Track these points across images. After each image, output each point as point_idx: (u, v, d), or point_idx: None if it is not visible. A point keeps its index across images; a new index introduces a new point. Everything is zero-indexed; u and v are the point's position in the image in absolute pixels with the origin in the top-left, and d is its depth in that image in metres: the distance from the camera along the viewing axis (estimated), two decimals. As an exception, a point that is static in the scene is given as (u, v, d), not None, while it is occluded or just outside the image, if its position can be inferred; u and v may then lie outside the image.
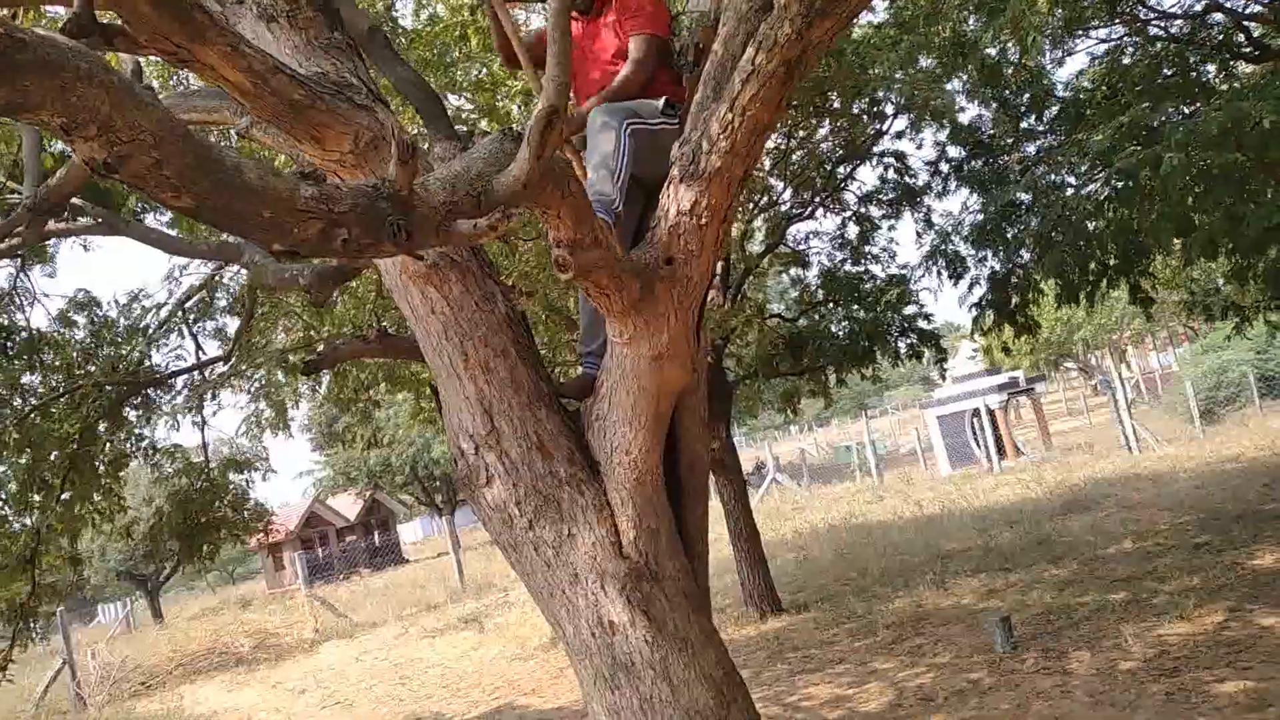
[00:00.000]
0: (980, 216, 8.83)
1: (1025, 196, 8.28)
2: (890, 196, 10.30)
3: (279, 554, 35.58)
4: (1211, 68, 8.68)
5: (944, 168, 9.88)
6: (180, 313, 8.54)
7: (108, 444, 7.95)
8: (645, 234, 2.72)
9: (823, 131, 9.81)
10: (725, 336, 9.85)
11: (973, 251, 9.27)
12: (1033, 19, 7.30)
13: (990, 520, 12.54)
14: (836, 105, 9.03)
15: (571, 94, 2.89)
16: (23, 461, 7.20)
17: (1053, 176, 8.11)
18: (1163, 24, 8.89)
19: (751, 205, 10.14)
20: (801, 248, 11.13)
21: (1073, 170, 7.95)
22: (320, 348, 7.83)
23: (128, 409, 8.10)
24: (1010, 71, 8.68)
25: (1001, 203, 8.20)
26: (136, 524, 9.66)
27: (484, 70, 7.54)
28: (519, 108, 7.45)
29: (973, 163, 9.55)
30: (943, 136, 9.80)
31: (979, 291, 9.27)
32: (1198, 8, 8.75)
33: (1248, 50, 8.62)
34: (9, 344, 7.51)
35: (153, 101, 1.51)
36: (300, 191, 1.67)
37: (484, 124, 7.55)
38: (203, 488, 8.81)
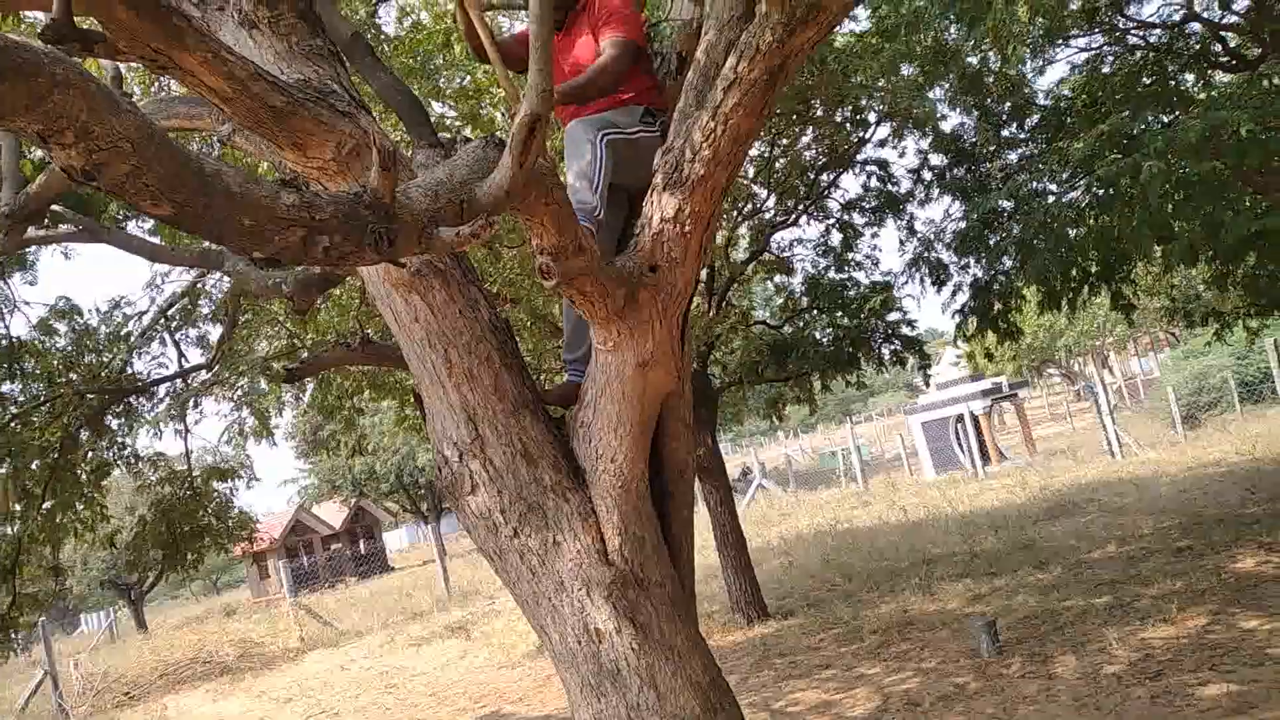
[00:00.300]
0: (963, 224, 8.88)
1: (1007, 204, 8.33)
2: (873, 204, 10.34)
3: (263, 562, 35.38)
4: (1190, 77, 8.76)
5: (926, 175, 9.93)
6: (162, 320, 8.49)
7: (89, 453, 7.90)
8: (629, 241, 2.72)
9: (806, 139, 9.85)
10: (710, 343, 9.86)
11: (955, 258, 9.32)
12: (1013, 28, 7.36)
13: (975, 525, 12.58)
14: (819, 113, 9.07)
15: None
16: (3, 470, 7.13)
17: (1034, 184, 8.15)
18: (1142, 33, 8.97)
19: (735, 213, 10.17)
20: (785, 255, 11.18)
21: (1054, 178, 8.00)
22: (303, 355, 7.82)
23: (110, 417, 8.05)
24: (991, 80, 8.74)
25: (983, 210, 8.25)
26: (119, 533, 9.57)
27: (467, 78, 7.54)
28: (502, 115, 7.45)
29: (955, 170, 9.61)
30: (925, 144, 9.87)
31: (962, 298, 9.33)
32: (1176, 18, 8.84)
33: (1225, 60, 8.70)
34: (-11, 352, 7.45)
35: (131, 108, 1.50)
36: (281, 199, 1.66)
37: (467, 131, 7.54)
38: (186, 496, 8.76)
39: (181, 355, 8.57)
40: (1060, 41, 8.82)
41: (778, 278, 11.59)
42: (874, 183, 10.29)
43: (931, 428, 23.34)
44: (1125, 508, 11.73)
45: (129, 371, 8.17)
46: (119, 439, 8.29)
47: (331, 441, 11.63)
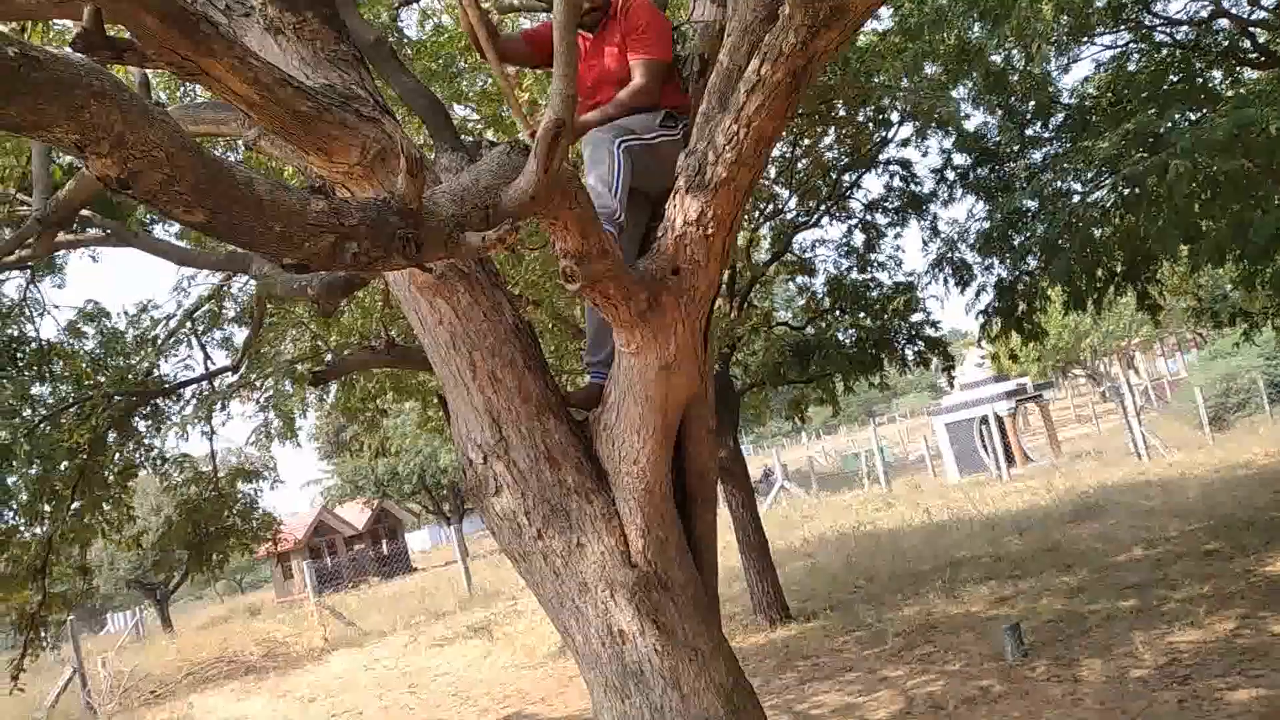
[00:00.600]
0: (986, 224, 8.82)
1: (1031, 203, 8.27)
2: (896, 204, 10.30)
3: (287, 563, 35.63)
4: (1218, 74, 8.68)
5: (950, 175, 9.88)
6: (189, 323, 8.58)
7: (117, 454, 8.00)
8: (651, 245, 2.73)
9: (828, 139, 9.82)
10: (732, 345, 9.85)
11: (979, 259, 9.27)
12: (1037, 26, 7.31)
13: (1000, 528, 12.50)
14: (842, 113, 9.05)
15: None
16: (33, 472, 7.23)
17: (1059, 183, 8.10)
18: (1168, 30, 8.89)
19: (757, 214, 10.15)
20: (808, 256, 11.15)
21: (1079, 177, 7.95)
22: (328, 358, 7.87)
23: (137, 419, 8.15)
24: (1015, 78, 8.68)
25: (1008, 210, 8.20)
26: (145, 533, 9.70)
27: (489, 81, 7.57)
28: (523, 119, 7.46)
29: (978, 170, 9.55)
30: (948, 144, 9.82)
31: (986, 299, 9.27)
32: (1203, 14, 8.75)
33: (1254, 56, 8.61)
34: (19, 355, 7.55)
35: (164, 118, 1.53)
36: (311, 206, 1.68)
37: (490, 134, 7.58)
38: (211, 497, 8.85)
39: (208, 358, 8.67)
40: (1085, 39, 8.76)
41: (800, 278, 11.56)
42: (897, 183, 10.25)
43: (956, 429, 23.21)
44: (1152, 510, 11.61)
45: (156, 374, 8.26)
46: (146, 441, 8.39)
47: (355, 443, 11.72)
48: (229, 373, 8.58)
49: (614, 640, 2.68)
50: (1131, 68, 8.65)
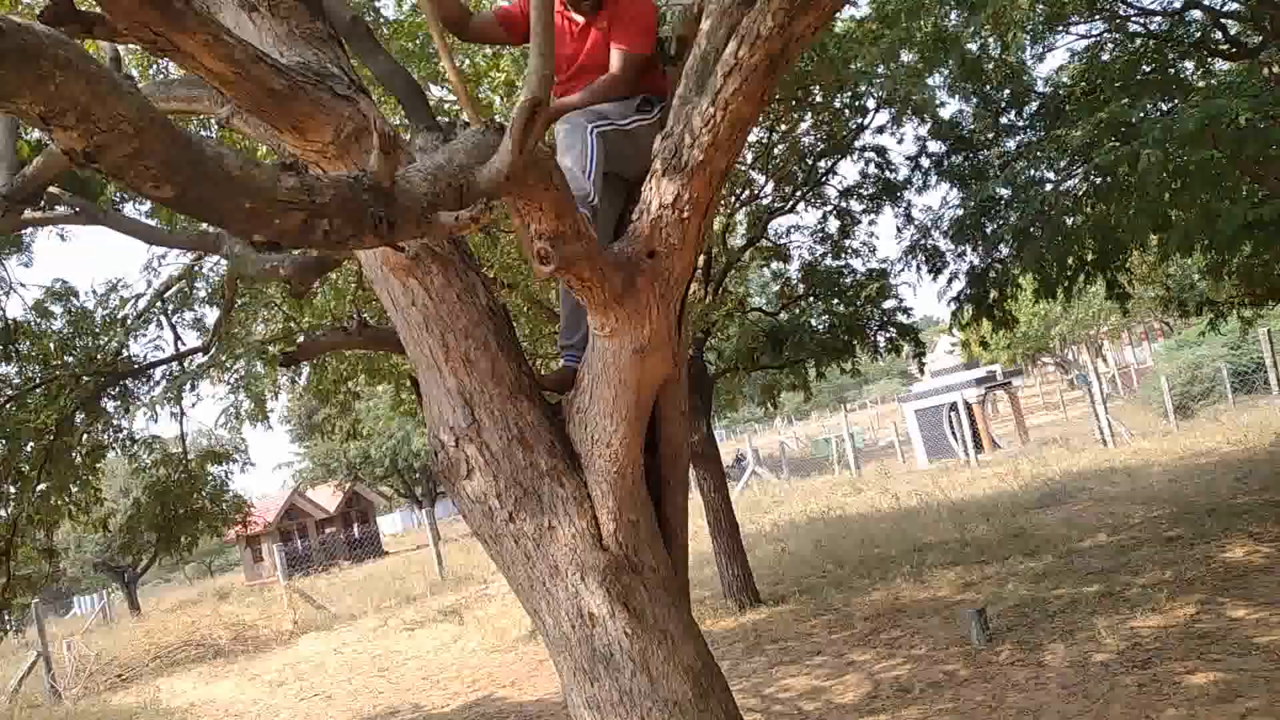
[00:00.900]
0: (960, 211, 8.89)
1: (1004, 191, 8.34)
2: (871, 191, 10.34)
3: (257, 546, 35.42)
4: (1190, 65, 8.76)
5: (924, 162, 9.93)
6: (159, 303, 8.46)
7: (85, 435, 7.88)
8: (626, 228, 2.73)
9: (804, 125, 9.83)
10: (706, 330, 9.87)
11: (952, 246, 9.34)
12: (1013, 14, 7.35)
13: (967, 513, 12.64)
14: (818, 99, 9.06)
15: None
16: (-2, 452, 7.13)
17: (1032, 172, 8.16)
18: (1142, 21, 8.96)
19: (733, 199, 10.16)
20: (782, 242, 11.17)
21: (1051, 166, 8.01)
22: (300, 339, 7.80)
23: (105, 400, 8.03)
24: (991, 67, 8.73)
25: (981, 198, 8.26)
26: (113, 516, 9.58)
27: (466, 61, 7.51)
28: (501, 99, 7.43)
29: (953, 158, 9.61)
30: (923, 131, 9.86)
31: (958, 286, 9.35)
32: (1176, 5, 8.84)
33: (1225, 47, 8.71)
34: (-16, 334, 7.42)
35: (132, 90, 1.50)
36: (281, 182, 1.66)
37: (465, 115, 7.51)
38: (181, 479, 8.76)
39: (178, 338, 8.55)
40: (1060, 28, 8.81)
41: (774, 264, 11.59)
42: (872, 169, 10.29)
43: (925, 415, 23.41)
44: (1117, 497, 11.78)
45: (125, 354, 8.14)
46: (114, 422, 8.28)
47: (327, 425, 11.62)
48: (199, 353, 8.48)
49: (584, 623, 2.69)
50: (1105, 57, 8.72)
